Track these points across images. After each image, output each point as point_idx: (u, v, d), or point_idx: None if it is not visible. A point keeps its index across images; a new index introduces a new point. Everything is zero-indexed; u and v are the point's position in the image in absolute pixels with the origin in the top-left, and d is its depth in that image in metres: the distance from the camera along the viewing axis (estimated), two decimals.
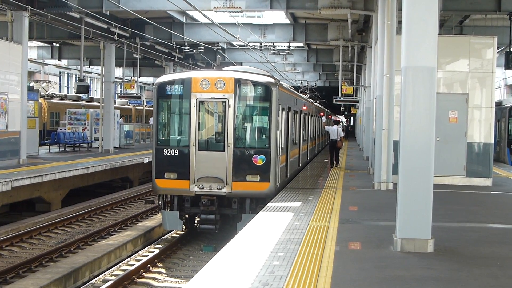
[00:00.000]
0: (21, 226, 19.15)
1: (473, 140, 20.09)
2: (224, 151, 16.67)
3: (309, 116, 29.76)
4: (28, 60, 32.60)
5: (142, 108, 53.24)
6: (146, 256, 16.10)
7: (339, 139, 26.06)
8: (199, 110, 16.84)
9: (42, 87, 49.27)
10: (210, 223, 16.62)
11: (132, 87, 40.69)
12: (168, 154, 16.88)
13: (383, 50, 19.02)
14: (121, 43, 34.72)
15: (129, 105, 56.24)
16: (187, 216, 17.54)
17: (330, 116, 53.25)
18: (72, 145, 35.20)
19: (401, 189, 10.01)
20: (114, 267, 15.42)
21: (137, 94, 41.72)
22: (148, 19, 29.12)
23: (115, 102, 50.49)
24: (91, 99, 50.53)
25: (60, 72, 62.03)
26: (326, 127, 28.79)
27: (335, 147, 26.54)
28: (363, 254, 9.90)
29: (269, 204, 15.21)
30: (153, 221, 20.44)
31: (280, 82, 19.44)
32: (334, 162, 26.67)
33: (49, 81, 53.01)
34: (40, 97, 42.24)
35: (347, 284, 8.14)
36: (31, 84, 46.83)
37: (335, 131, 26.21)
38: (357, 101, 43.95)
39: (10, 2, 24.21)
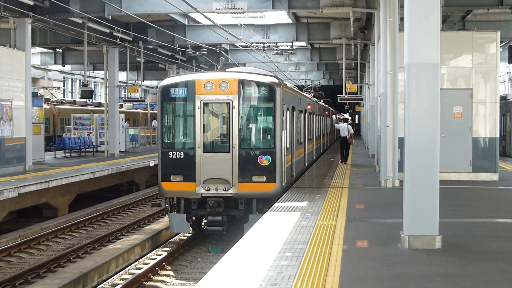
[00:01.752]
0: (28, 232, 19.19)
1: (479, 135, 20.07)
2: (229, 152, 16.66)
3: (314, 115, 29.77)
4: (32, 66, 32.68)
5: (147, 111, 53.34)
6: (154, 259, 16.12)
7: (349, 136, 27.21)
8: (204, 112, 16.84)
9: (51, 93, 49.57)
10: (217, 225, 16.62)
11: (136, 90, 40.75)
12: (173, 156, 16.89)
13: (386, 47, 19.00)
14: (124, 47, 34.78)
15: (136, 109, 56.50)
16: (194, 218, 17.55)
17: (335, 115, 53.23)
18: (78, 150, 35.25)
19: (407, 186, 10.00)
20: (123, 271, 15.45)
21: (141, 97, 41.77)
22: (151, 22, 29.15)
23: (122, 106, 50.77)
24: (99, 104, 50.67)
25: (64, 78, 62.14)
26: (336, 125, 29.59)
27: (346, 144, 27.79)
28: (370, 252, 9.89)
29: (276, 204, 15.21)
30: (160, 224, 20.46)
31: (284, 82, 19.44)
32: (344, 159, 27.92)
33: (58, 87, 53.28)
34: (50, 103, 42.70)
35: (355, 283, 8.13)
36: (40, 91, 47.28)
37: (345, 128, 27.50)
38: (361, 99, 43.92)
39: (13, 9, 24.26)
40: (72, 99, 52.55)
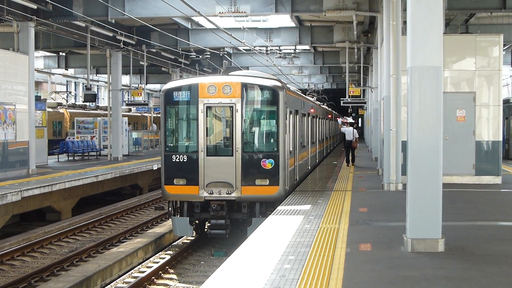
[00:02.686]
0: (32, 236, 19.21)
1: (482, 138, 20.06)
2: (232, 155, 16.67)
3: (317, 119, 29.80)
4: (35, 70, 32.71)
5: (151, 115, 53.51)
6: (157, 262, 16.12)
7: (354, 140, 27.89)
8: (207, 116, 16.84)
9: (63, 97, 49.86)
10: (220, 228, 16.63)
11: (139, 94, 40.79)
12: (176, 160, 16.89)
13: (389, 50, 19.01)
14: (127, 51, 34.82)
15: (144, 113, 56.74)
16: (197, 221, 17.55)
17: (338, 118, 53.24)
18: (81, 153, 35.28)
19: (410, 189, 10.00)
20: (126, 275, 15.45)
21: (144, 101, 41.80)
22: (154, 26, 29.17)
23: (130, 110, 50.82)
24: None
25: (67, 81, 62.25)
26: (342, 129, 30.16)
27: (351, 147, 28.40)
28: (373, 255, 9.88)
29: (279, 207, 15.21)
30: (164, 228, 20.47)
31: (287, 85, 19.45)
32: (350, 161, 28.40)
33: (70, 92, 53.54)
34: (62, 107, 43.06)
35: (359, 286, 8.13)
36: (52, 95, 47.57)
37: (351, 132, 28.22)
38: (365, 103, 43.92)
39: (16, 13, 24.31)
40: (83, 103, 52.90)
